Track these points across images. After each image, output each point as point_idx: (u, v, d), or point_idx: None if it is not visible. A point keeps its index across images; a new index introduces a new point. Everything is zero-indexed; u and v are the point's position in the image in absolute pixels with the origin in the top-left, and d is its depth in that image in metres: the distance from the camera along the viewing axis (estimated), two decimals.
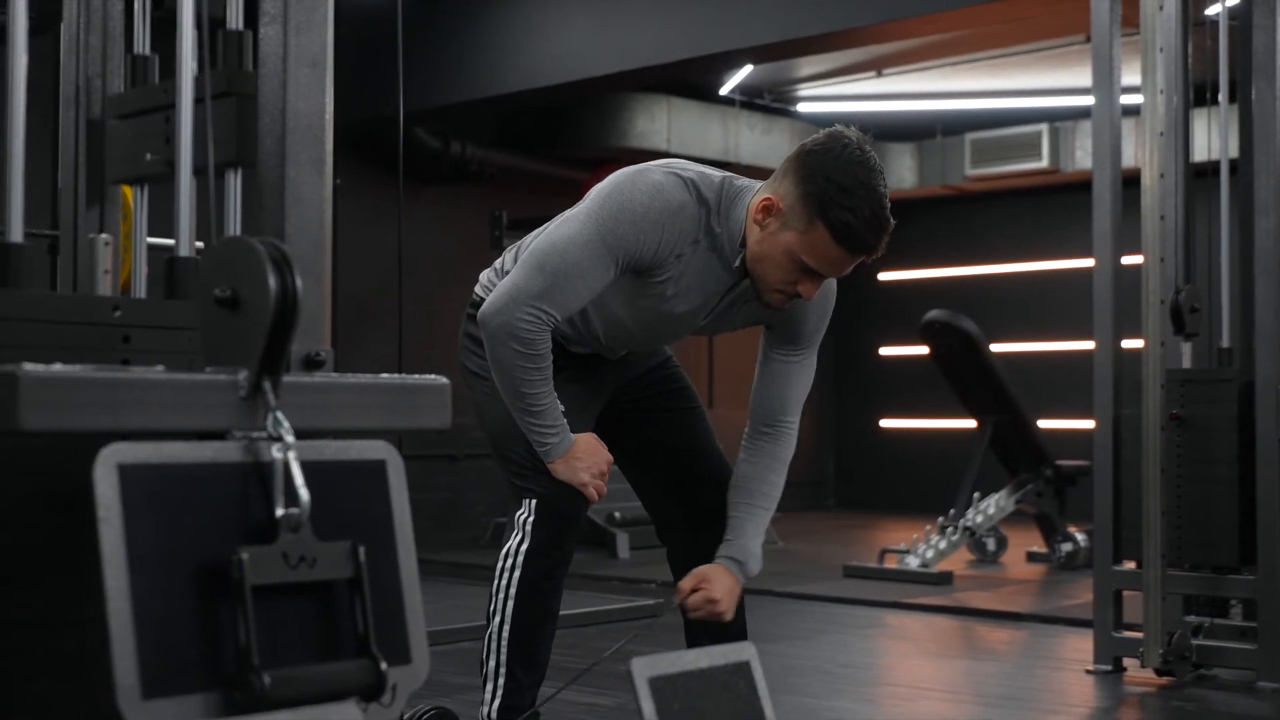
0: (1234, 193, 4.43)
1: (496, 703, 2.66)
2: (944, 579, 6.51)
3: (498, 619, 2.67)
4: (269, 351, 1.41)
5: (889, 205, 2.53)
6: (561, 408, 2.63)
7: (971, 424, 7.61)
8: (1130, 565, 4.29)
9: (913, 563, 6.71)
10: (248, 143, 1.66)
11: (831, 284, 2.75)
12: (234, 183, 1.72)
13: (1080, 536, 6.97)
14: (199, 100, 1.68)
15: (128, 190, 2.00)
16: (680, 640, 2.85)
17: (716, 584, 2.67)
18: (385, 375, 1.54)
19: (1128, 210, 4.37)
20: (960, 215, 10.93)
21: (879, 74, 8.83)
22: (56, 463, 1.41)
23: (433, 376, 1.58)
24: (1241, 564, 4.15)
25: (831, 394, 11.46)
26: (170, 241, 1.72)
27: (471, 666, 3.12)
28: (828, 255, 2.54)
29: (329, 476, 1.45)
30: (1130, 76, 4.39)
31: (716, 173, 2.68)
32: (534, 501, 2.67)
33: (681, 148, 8.90)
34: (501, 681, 2.66)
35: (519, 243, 2.80)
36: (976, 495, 7.15)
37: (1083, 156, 9.40)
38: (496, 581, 2.68)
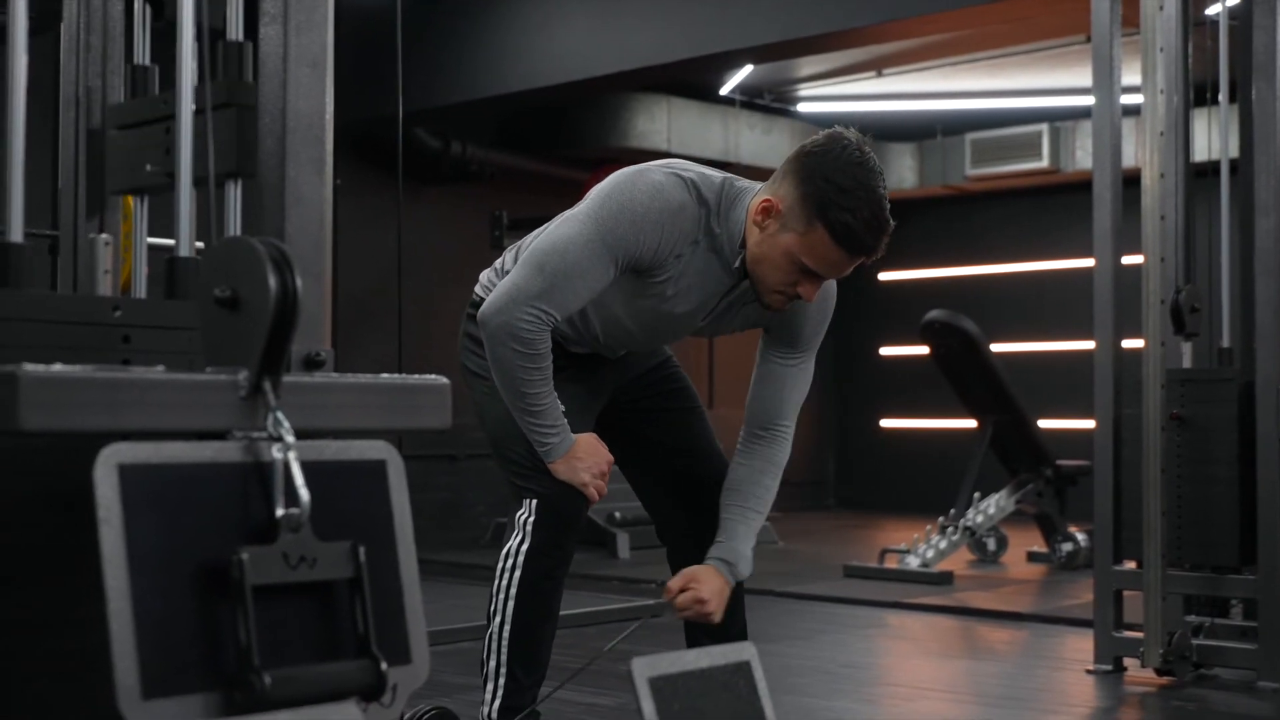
0: (1234, 192, 4.43)
1: (497, 703, 2.66)
2: (944, 579, 6.51)
3: (498, 619, 2.67)
4: (269, 351, 1.41)
5: (888, 206, 2.53)
6: (562, 407, 2.63)
7: (972, 424, 7.61)
8: (1131, 565, 4.29)
9: (913, 563, 6.71)
10: (248, 154, 1.66)
11: (831, 289, 2.75)
12: (234, 193, 1.72)
13: (1081, 536, 6.97)
14: (199, 111, 1.68)
15: (128, 196, 2.00)
16: (680, 640, 2.85)
17: (705, 584, 2.66)
18: (385, 375, 1.54)
19: (1128, 210, 4.37)
20: (960, 215, 10.93)
21: (879, 74, 8.83)
22: (56, 463, 1.41)
23: (433, 376, 1.58)
24: (1242, 564, 4.15)
25: (832, 394, 11.46)
26: (170, 241, 1.72)
27: (472, 666, 3.12)
28: (827, 256, 2.54)
29: (329, 476, 1.45)
30: (1130, 76, 4.38)
31: (717, 174, 2.68)
32: (534, 501, 2.67)
33: (682, 148, 8.90)
34: (502, 681, 2.66)
35: (519, 243, 2.80)
36: (977, 495, 7.15)
37: (1083, 156, 9.40)
38: (497, 581, 2.68)
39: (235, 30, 1.77)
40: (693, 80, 8.66)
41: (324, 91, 1.65)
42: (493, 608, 2.68)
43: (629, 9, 7.06)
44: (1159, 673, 4.11)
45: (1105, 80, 4.36)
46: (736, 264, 2.62)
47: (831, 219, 2.49)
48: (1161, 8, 4.15)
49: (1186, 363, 4.37)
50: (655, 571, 6.35)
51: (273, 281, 1.39)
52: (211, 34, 1.70)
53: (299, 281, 1.41)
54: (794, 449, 2.84)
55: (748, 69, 8.44)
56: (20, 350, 1.49)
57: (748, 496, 2.75)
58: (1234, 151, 4.54)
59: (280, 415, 1.42)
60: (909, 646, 5.15)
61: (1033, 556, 7.38)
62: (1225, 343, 4.49)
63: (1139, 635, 4.12)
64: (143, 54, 1.99)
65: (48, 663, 1.43)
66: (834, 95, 9.54)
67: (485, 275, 2.86)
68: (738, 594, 2.87)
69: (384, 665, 1.42)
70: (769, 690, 1.82)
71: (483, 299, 2.75)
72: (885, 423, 11.33)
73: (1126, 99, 4.43)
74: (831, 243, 2.51)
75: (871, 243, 2.53)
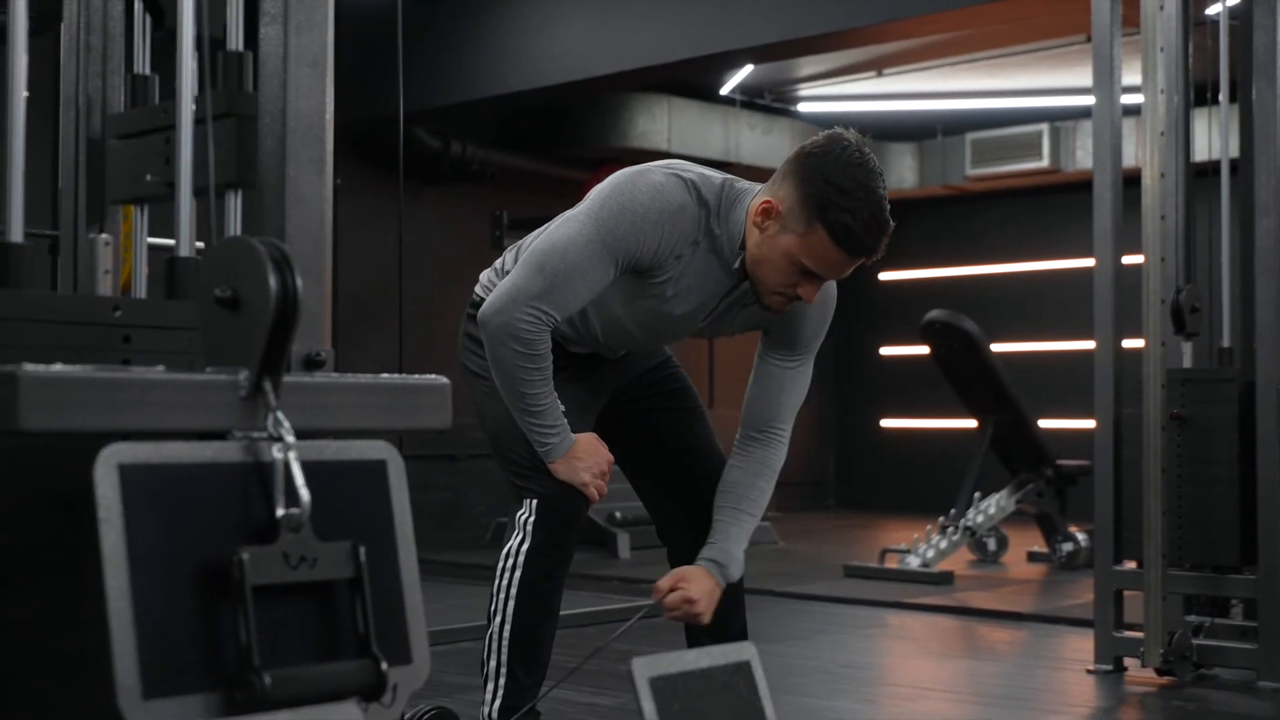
0: (1234, 192, 4.43)
1: (497, 703, 2.66)
2: (945, 579, 6.51)
3: (498, 619, 2.67)
4: (269, 351, 1.41)
5: (888, 207, 2.52)
6: (562, 407, 2.63)
7: (972, 424, 7.61)
8: (1131, 565, 4.29)
9: (913, 562, 6.71)
10: (248, 164, 1.66)
11: (832, 292, 2.74)
12: (234, 204, 1.72)
13: (1081, 536, 6.97)
14: (199, 121, 1.68)
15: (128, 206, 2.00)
16: (681, 640, 2.85)
17: (694, 584, 2.65)
18: (385, 375, 1.54)
19: (1128, 210, 4.37)
20: (961, 215, 10.93)
21: (879, 74, 8.83)
22: (57, 463, 1.41)
23: (433, 376, 1.58)
24: (1242, 564, 4.15)
25: (832, 394, 11.46)
26: (170, 241, 1.72)
27: (472, 666, 3.12)
28: (827, 258, 2.53)
29: (329, 476, 1.45)
30: (1131, 76, 4.38)
31: (717, 175, 2.67)
32: (535, 501, 2.67)
33: (682, 148, 8.90)
34: (502, 681, 2.66)
35: (519, 243, 2.80)
36: (977, 495, 7.15)
37: (1083, 156, 9.40)
38: (497, 581, 2.68)
39: (235, 40, 1.77)
40: (693, 80, 8.66)
41: (324, 91, 1.65)
42: (493, 608, 2.68)
43: (629, 9, 7.06)
44: (1159, 673, 4.11)
45: (1105, 80, 4.36)
46: (736, 265, 2.62)
47: (831, 220, 2.49)
48: (1162, 7, 4.15)
49: (1187, 363, 4.37)
50: (655, 571, 6.32)
51: (273, 281, 1.39)
52: (211, 43, 1.70)
53: (299, 281, 1.41)
54: (794, 449, 2.84)
55: (748, 69, 8.44)
56: (20, 350, 1.49)
57: (741, 499, 2.74)
58: (1234, 151, 4.54)
59: (280, 415, 1.42)
60: (909, 646, 5.15)
61: (1033, 556, 7.38)
62: (1225, 343, 4.49)
63: (1139, 635, 4.12)
64: (143, 63, 1.99)
65: (48, 663, 1.43)
66: (834, 95, 9.54)
67: (485, 275, 2.86)
68: (738, 594, 2.87)
69: (384, 665, 1.42)
70: (769, 690, 1.82)
71: (483, 299, 2.75)
72: (885, 423, 11.33)
73: (1127, 99, 4.43)
74: (831, 244, 2.51)
75: (871, 244, 2.53)
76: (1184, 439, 4.21)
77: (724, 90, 9.14)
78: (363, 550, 1.43)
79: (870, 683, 4.42)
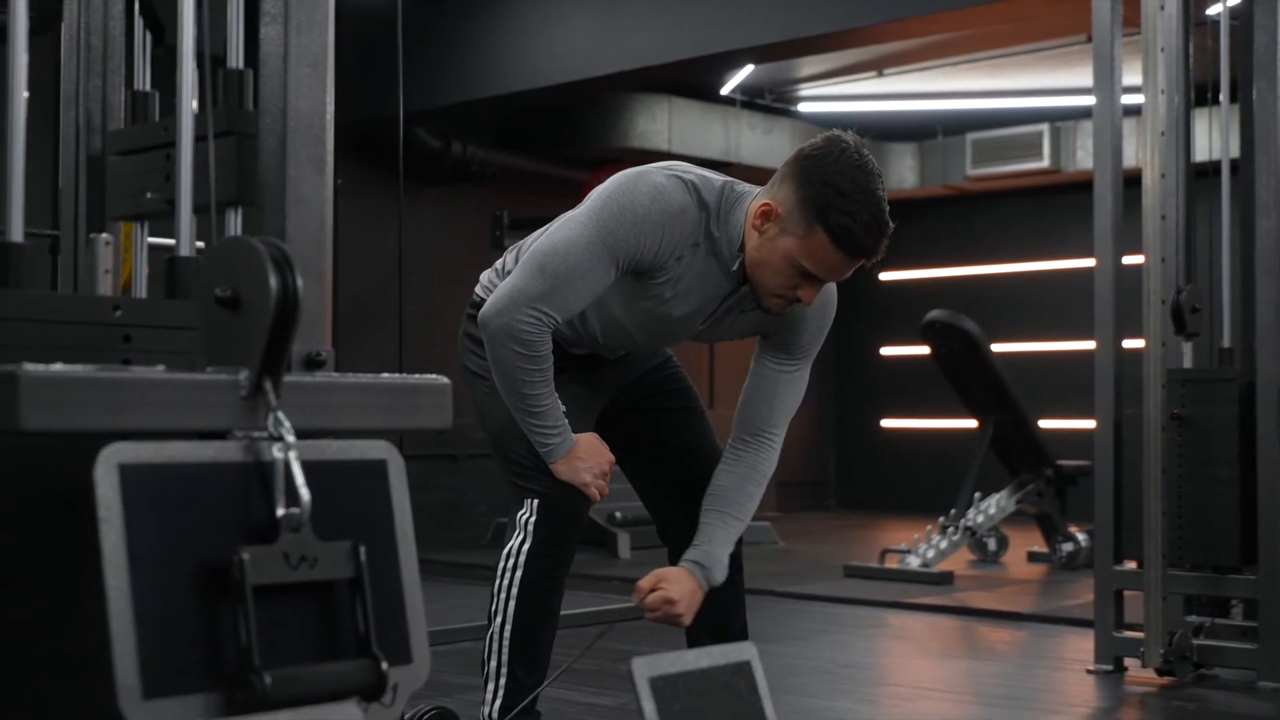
0: (1235, 193, 4.43)
1: (498, 703, 2.66)
2: (945, 579, 6.51)
3: (499, 619, 2.67)
4: (270, 351, 1.41)
5: (888, 209, 2.52)
6: (563, 408, 2.63)
7: (972, 424, 7.61)
8: (1131, 565, 4.29)
9: (914, 563, 6.71)
10: (248, 182, 1.66)
11: (832, 297, 2.74)
12: (234, 221, 1.72)
13: (1081, 536, 6.97)
14: (200, 139, 1.68)
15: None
16: (681, 640, 2.84)
17: (675, 585, 2.63)
18: (386, 375, 1.54)
19: (1129, 210, 4.37)
20: (961, 215, 10.93)
21: (880, 74, 8.83)
22: (57, 462, 1.41)
23: (433, 376, 1.58)
24: (1242, 564, 4.15)
25: (832, 394, 11.46)
26: (171, 241, 1.72)
27: (472, 666, 3.12)
28: (827, 260, 2.53)
29: (330, 476, 1.45)
30: (1131, 76, 4.38)
31: (718, 177, 2.67)
32: (536, 501, 2.67)
33: (682, 148, 8.90)
34: (503, 681, 2.66)
35: (520, 243, 2.80)
36: (977, 495, 7.15)
37: (1084, 156, 9.40)
38: (498, 581, 2.68)
39: (236, 57, 1.77)
40: (693, 80, 8.66)
41: (325, 91, 1.65)
42: (494, 608, 2.68)
43: (629, 9, 7.06)
44: (1159, 673, 4.10)
45: (1106, 80, 4.36)
46: (735, 267, 2.62)
47: (831, 222, 2.49)
48: (1162, 8, 4.15)
49: (1187, 363, 4.37)
50: None
51: (273, 281, 1.39)
52: (212, 61, 1.70)
53: (300, 281, 1.41)
54: (794, 449, 2.84)
55: (748, 69, 8.44)
56: (20, 350, 1.49)
57: (729, 503, 2.73)
58: (1235, 151, 4.54)
59: (281, 415, 1.42)
60: (909, 646, 5.15)
61: (1033, 556, 7.38)
62: (1226, 343, 4.49)
63: (1139, 635, 4.12)
64: (143, 79, 1.99)
65: (48, 663, 1.43)
66: (835, 95, 9.54)
67: (486, 276, 2.86)
68: (739, 595, 2.87)
69: (384, 665, 1.42)
70: (769, 690, 1.82)
71: (483, 299, 2.75)
72: (886, 423, 11.33)
73: (1127, 99, 4.43)
74: (831, 246, 2.51)
75: (871, 246, 2.53)
76: (1184, 439, 4.21)
77: (724, 90, 9.14)
78: (363, 550, 1.43)
79: (870, 683, 4.42)
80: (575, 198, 2.83)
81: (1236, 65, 4.43)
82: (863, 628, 5.40)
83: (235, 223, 1.72)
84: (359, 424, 1.51)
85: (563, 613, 2.78)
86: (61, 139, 1.97)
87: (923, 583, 6.47)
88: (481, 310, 2.62)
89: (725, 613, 2.84)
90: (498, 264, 2.84)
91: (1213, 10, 4.62)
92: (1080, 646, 4.67)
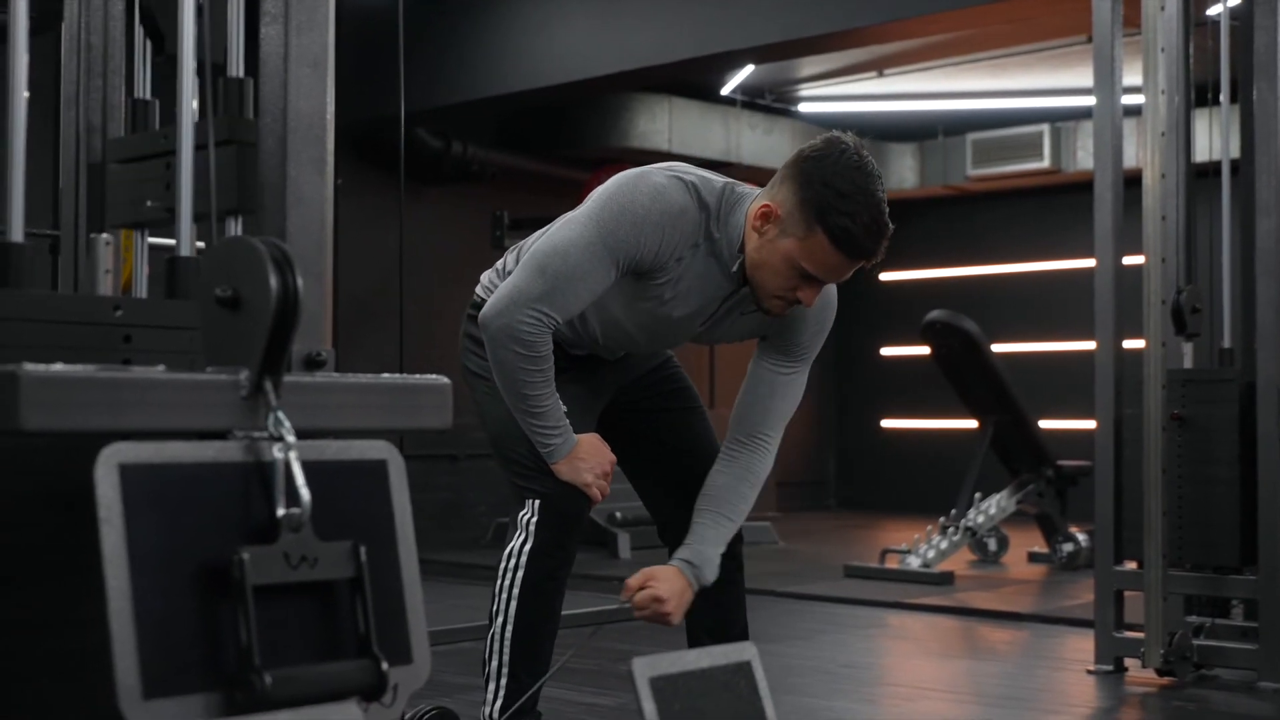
0: (1235, 193, 4.43)
1: (499, 703, 2.66)
2: (945, 579, 6.51)
3: (500, 619, 2.66)
4: (270, 351, 1.41)
5: (887, 210, 2.52)
6: (564, 408, 2.63)
7: (973, 424, 7.61)
8: (1131, 565, 4.29)
9: (914, 563, 6.71)
10: (249, 191, 1.66)
11: (832, 299, 2.74)
12: (235, 228, 1.72)
13: (1081, 537, 6.97)
14: (200, 147, 1.68)
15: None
16: (681, 640, 2.84)
17: (664, 583, 2.61)
18: (386, 375, 1.54)
19: (1129, 210, 4.37)
20: (962, 215, 10.93)
21: (880, 74, 8.82)
22: (57, 462, 1.41)
23: (434, 376, 1.58)
24: (1242, 564, 4.15)
25: (833, 394, 11.46)
26: (171, 241, 1.72)
27: (472, 666, 3.12)
28: (827, 261, 2.53)
29: (330, 476, 1.45)
30: (1132, 77, 4.39)
31: (719, 178, 2.67)
32: (537, 502, 2.67)
33: (683, 148, 8.90)
34: (504, 682, 2.66)
35: (520, 244, 2.80)
36: (978, 495, 7.15)
37: (1084, 157, 9.40)
38: (499, 582, 2.68)
39: (236, 66, 1.77)
40: (694, 80, 8.66)
41: (325, 91, 1.65)
42: (495, 608, 2.68)
43: (629, 9, 7.06)
44: (1160, 673, 4.10)
45: (1106, 80, 4.36)
46: (735, 268, 2.62)
47: (831, 224, 2.49)
48: (1163, 8, 4.15)
49: (1187, 363, 4.37)
50: None
51: (274, 281, 1.39)
52: (212, 69, 1.70)
53: (300, 281, 1.41)
54: (794, 449, 2.84)
55: (749, 69, 8.44)
56: (21, 350, 1.49)
57: (722, 504, 2.72)
58: (1235, 152, 4.54)
59: (281, 415, 1.42)
60: (910, 646, 5.15)
61: (1033, 557, 7.38)
62: (1226, 343, 4.49)
63: (1140, 635, 4.12)
64: (144, 87, 1.99)
65: (48, 663, 1.43)
66: (835, 95, 9.54)
67: (486, 276, 2.86)
68: (739, 595, 2.87)
69: (385, 665, 1.42)
70: (770, 690, 1.82)
71: (484, 300, 2.75)
72: (886, 423, 11.33)
73: (1128, 99, 4.43)
74: (831, 247, 2.51)
75: (871, 247, 2.53)
76: (1184, 439, 4.21)
77: (725, 90, 9.14)
78: (363, 550, 1.43)
79: (870, 683, 4.42)
80: (575, 198, 2.83)
81: (1237, 65, 4.43)
82: (863, 628, 5.40)
83: (236, 229, 1.72)
84: (359, 424, 1.51)
85: (563, 613, 2.78)
86: (62, 139, 1.97)
87: (923, 583, 6.47)
88: (482, 311, 2.62)
89: (726, 613, 2.84)
90: (498, 264, 2.84)
91: (1213, 10, 4.62)
92: (1080, 647, 4.67)
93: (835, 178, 2.49)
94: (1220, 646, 4.16)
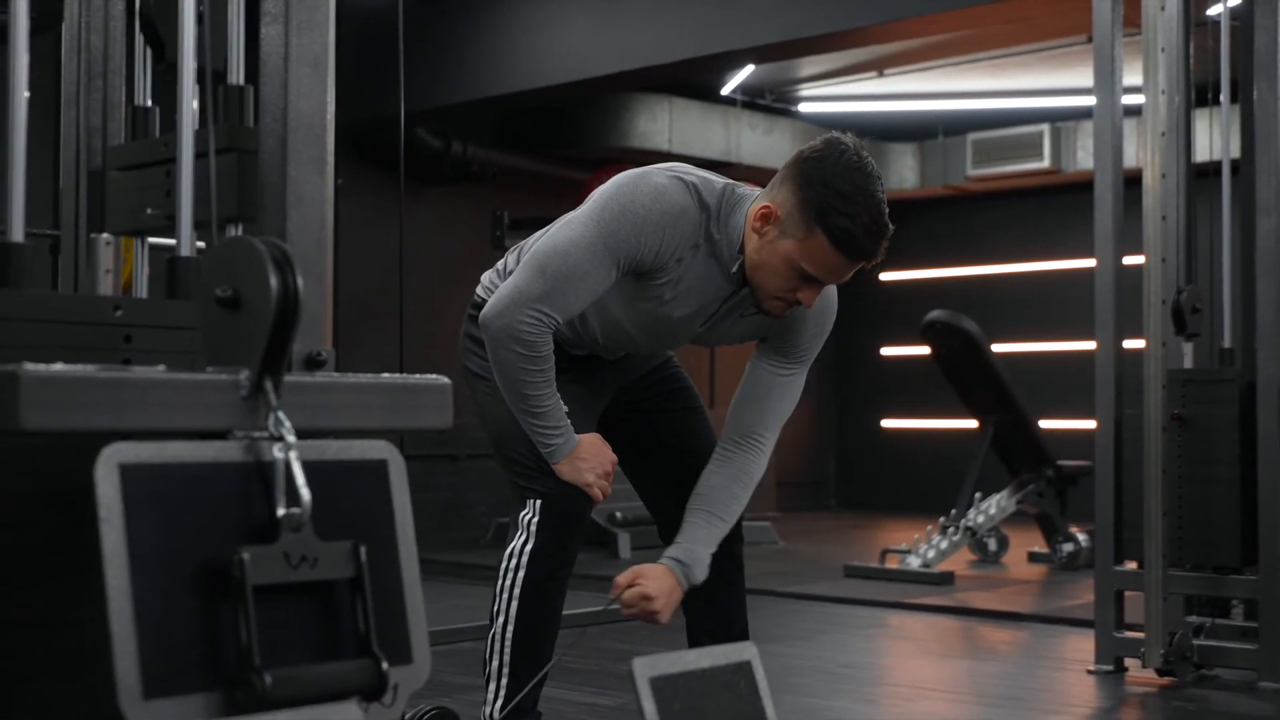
0: (1235, 193, 4.43)
1: (499, 702, 2.66)
2: (945, 579, 6.51)
3: (501, 619, 2.66)
4: (270, 351, 1.41)
5: (887, 211, 2.52)
6: (565, 408, 2.63)
7: (973, 424, 7.61)
8: (1131, 565, 4.29)
9: (914, 563, 6.71)
10: (249, 199, 1.66)
11: (832, 302, 2.74)
12: (235, 234, 1.72)
13: (1081, 537, 6.97)
14: (200, 155, 1.68)
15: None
16: (681, 640, 2.84)
17: (652, 582, 2.60)
18: (386, 375, 1.54)
19: (1129, 210, 4.37)
20: (962, 215, 10.93)
21: (880, 74, 8.82)
22: (58, 462, 1.41)
23: (434, 376, 1.58)
24: (1243, 564, 4.15)
25: (833, 394, 11.46)
26: (171, 241, 1.72)
27: (472, 666, 3.12)
28: (827, 262, 2.53)
29: (330, 476, 1.45)
30: (1132, 77, 4.38)
31: (719, 179, 2.67)
32: (538, 502, 2.67)
33: (683, 148, 8.90)
34: (505, 682, 2.66)
35: (521, 244, 2.80)
36: (978, 495, 7.15)
37: (1084, 157, 9.40)
38: (500, 581, 2.68)
39: (237, 74, 1.77)
40: (694, 80, 8.66)
41: (325, 91, 1.65)
42: (496, 608, 2.68)
43: (629, 9, 7.06)
44: (1160, 673, 4.10)
45: (1107, 80, 4.36)
46: (734, 269, 2.62)
47: (831, 224, 2.49)
48: (1163, 8, 4.15)
49: (1188, 363, 4.37)
50: None
51: (274, 281, 1.39)
52: (213, 76, 1.70)
53: (300, 281, 1.41)
54: (794, 449, 2.84)
55: (749, 69, 8.44)
56: (21, 350, 1.49)
57: (714, 503, 2.71)
58: (1235, 152, 4.54)
59: (281, 415, 1.42)
60: (910, 647, 5.15)
61: (1034, 557, 7.38)
62: (1226, 343, 4.49)
63: (1140, 635, 4.12)
64: (143, 95, 1.99)
65: (48, 663, 1.43)
66: (835, 95, 9.54)
67: (487, 276, 2.86)
68: (740, 595, 2.87)
69: (385, 665, 1.42)
70: (770, 690, 1.82)
71: (484, 300, 2.75)
72: (886, 423, 11.33)
73: (1128, 99, 4.43)
74: (831, 248, 2.51)
75: (871, 248, 2.53)
76: (1185, 439, 4.21)
77: (725, 90, 9.14)
78: (363, 550, 1.43)
79: (870, 683, 4.42)
80: (575, 198, 2.83)
81: (1237, 65, 4.43)
82: (863, 628, 5.40)
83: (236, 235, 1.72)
84: (359, 424, 1.51)
85: (563, 612, 2.78)
86: (62, 140, 1.97)
87: (923, 583, 6.47)
88: (482, 311, 2.62)
89: (726, 613, 2.84)
90: (499, 265, 2.84)
91: (1213, 10, 4.62)
92: (1081, 647, 4.67)
93: (835, 179, 2.49)
94: (1220, 646, 4.16)
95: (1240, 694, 4.03)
